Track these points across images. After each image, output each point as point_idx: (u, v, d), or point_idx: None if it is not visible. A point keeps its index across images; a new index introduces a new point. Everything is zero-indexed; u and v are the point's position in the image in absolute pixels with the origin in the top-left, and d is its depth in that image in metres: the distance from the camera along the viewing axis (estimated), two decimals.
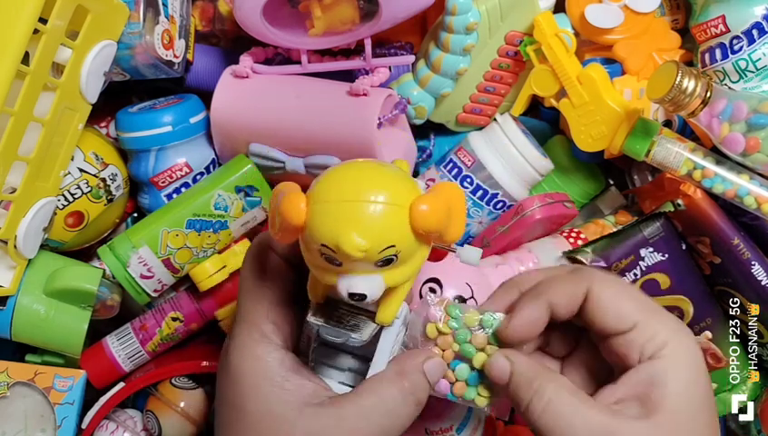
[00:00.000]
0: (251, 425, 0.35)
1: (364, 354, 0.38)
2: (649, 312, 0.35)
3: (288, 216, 0.31)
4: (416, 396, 0.35)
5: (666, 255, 0.57)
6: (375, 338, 0.36)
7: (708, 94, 0.50)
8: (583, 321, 0.37)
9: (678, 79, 0.49)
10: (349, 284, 0.32)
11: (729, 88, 0.57)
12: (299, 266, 0.37)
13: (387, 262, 0.31)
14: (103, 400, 0.56)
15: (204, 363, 0.57)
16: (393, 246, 0.31)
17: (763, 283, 0.55)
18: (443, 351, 0.38)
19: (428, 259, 0.36)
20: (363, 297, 0.32)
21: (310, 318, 0.35)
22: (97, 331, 0.60)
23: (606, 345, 0.36)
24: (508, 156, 0.60)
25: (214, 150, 0.60)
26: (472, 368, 0.38)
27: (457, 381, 0.38)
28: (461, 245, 0.60)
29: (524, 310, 0.36)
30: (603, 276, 0.36)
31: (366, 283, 0.32)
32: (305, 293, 0.37)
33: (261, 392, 0.35)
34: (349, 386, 0.38)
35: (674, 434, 0.33)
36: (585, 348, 0.39)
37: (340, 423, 0.34)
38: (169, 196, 0.59)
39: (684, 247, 0.58)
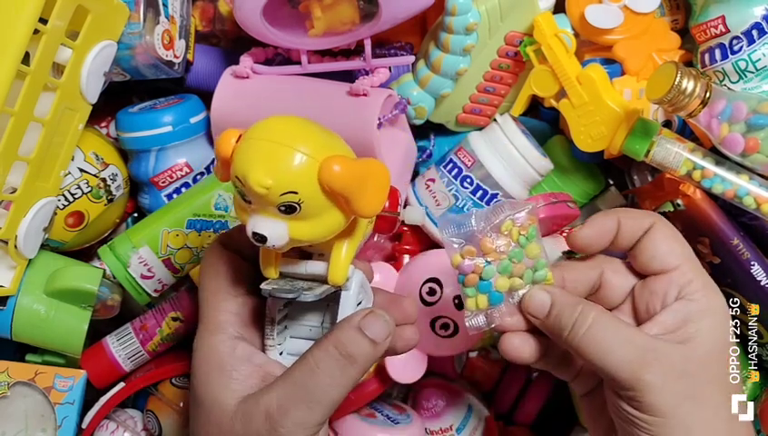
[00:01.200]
0: (203, 414, 0.36)
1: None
2: (692, 261, 0.40)
3: (218, 149, 0.34)
4: (348, 355, 0.36)
5: None
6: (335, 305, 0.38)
7: (707, 95, 0.50)
8: (636, 257, 0.41)
9: (677, 80, 0.49)
10: (254, 224, 0.33)
11: (728, 89, 0.57)
12: (253, 259, 0.39)
13: (289, 208, 0.32)
14: (103, 400, 0.56)
15: None
16: (296, 193, 0.32)
17: (762, 284, 0.55)
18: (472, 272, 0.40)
19: (376, 230, 0.38)
20: (264, 239, 0.33)
21: (263, 285, 0.36)
22: (97, 331, 0.60)
23: (648, 285, 0.40)
24: (508, 156, 0.60)
25: (214, 150, 0.60)
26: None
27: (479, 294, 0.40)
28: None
29: (597, 218, 0.41)
30: (664, 220, 0.41)
31: (269, 226, 0.33)
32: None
33: (211, 381, 0.36)
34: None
35: (704, 362, 0.36)
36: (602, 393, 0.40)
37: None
38: (169, 196, 0.59)
39: None
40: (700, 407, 0.36)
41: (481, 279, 0.40)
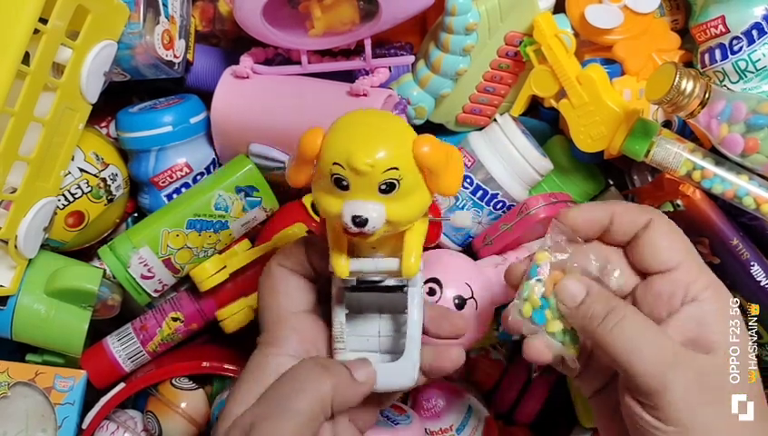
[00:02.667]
0: (221, 421, 0.37)
1: (392, 328, 0.40)
2: (695, 257, 0.39)
3: (305, 147, 0.33)
4: (323, 365, 0.36)
5: None
6: (402, 305, 0.38)
7: (707, 95, 0.50)
8: (635, 254, 0.40)
9: (677, 80, 0.49)
10: (353, 208, 0.33)
11: (728, 89, 0.57)
12: (309, 276, 0.40)
13: (389, 187, 0.33)
14: (103, 400, 0.56)
15: (205, 364, 0.57)
16: (396, 169, 0.32)
17: (762, 284, 0.55)
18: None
19: (427, 240, 0.38)
20: (364, 222, 0.33)
21: (341, 278, 0.37)
22: (98, 331, 0.60)
23: (651, 287, 0.39)
24: (508, 156, 0.60)
25: (214, 150, 0.61)
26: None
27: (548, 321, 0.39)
28: (460, 243, 0.61)
29: (591, 205, 0.40)
30: (663, 216, 0.40)
31: (369, 208, 0.33)
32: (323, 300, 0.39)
33: (244, 394, 0.36)
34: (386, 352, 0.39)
35: (726, 369, 0.36)
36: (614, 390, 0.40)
37: None
38: (169, 196, 0.59)
39: None
40: (722, 418, 0.35)
41: (544, 297, 0.39)
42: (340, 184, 0.33)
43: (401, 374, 0.38)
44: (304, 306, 0.39)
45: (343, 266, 0.36)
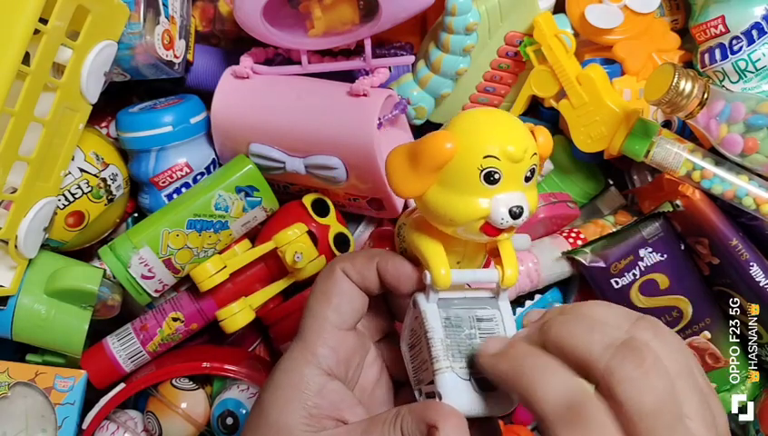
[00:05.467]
0: (263, 432, 0.35)
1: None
2: None
3: (435, 150, 0.32)
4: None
5: (665, 256, 0.57)
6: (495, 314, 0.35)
7: (705, 96, 0.51)
8: None
9: (675, 81, 0.49)
10: (508, 200, 0.32)
11: (727, 89, 0.57)
12: (369, 291, 0.37)
13: (532, 173, 0.33)
14: (103, 400, 0.56)
15: (205, 364, 0.57)
16: (536, 154, 0.33)
17: (761, 284, 0.55)
18: None
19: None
20: (520, 212, 0.32)
21: (431, 301, 0.34)
22: (98, 331, 0.60)
23: None
24: None
25: (215, 150, 0.60)
26: None
27: None
28: None
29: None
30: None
31: (519, 198, 0.32)
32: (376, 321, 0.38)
33: (287, 409, 0.35)
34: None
35: None
36: None
37: None
38: (169, 196, 0.59)
39: (682, 248, 0.58)
40: None
41: None
42: (491, 179, 0.32)
43: (504, 400, 0.34)
44: (349, 324, 0.37)
45: (445, 277, 0.34)
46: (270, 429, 0.35)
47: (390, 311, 0.40)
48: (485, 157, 0.32)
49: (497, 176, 0.32)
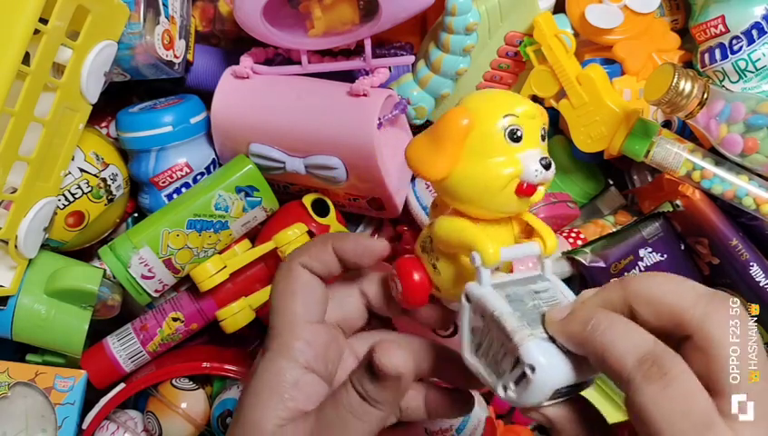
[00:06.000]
0: (241, 430, 0.35)
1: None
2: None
3: (454, 124, 0.33)
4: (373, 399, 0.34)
5: (665, 256, 0.57)
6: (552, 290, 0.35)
7: (705, 96, 0.51)
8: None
9: (675, 81, 0.49)
10: (534, 154, 0.33)
11: (728, 89, 0.57)
12: (332, 276, 0.38)
13: (545, 131, 0.35)
14: (103, 400, 0.56)
15: (205, 364, 0.57)
16: (544, 112, 0.35)
17: (761, 284, 0.55)
18: None
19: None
20: (549, 163, 0.33)
21: (485, 285, 0.33)
22: (98, 331, 0.60)
23: None
24: None
25: (215, 150, 0.60)
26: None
27: None
28: None
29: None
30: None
31: (544, 151, 0.34)
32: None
33: (261, 403, 0.35)
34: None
35: None
36: None
37: None
38: (169, 196, 0.59)
39: (682, 248, 0.58)
40: None
41: None
42: (515, 136, 0.33)
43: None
44: (318, 316, 0.37)
45: (495, 253, 0.32)
46: (243, 426, 0.35)
47: (363, 306, 0.40)
48: (505, 116, 0.33)
49: (519, 133, 0.33)
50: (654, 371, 0.28)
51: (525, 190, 0.33)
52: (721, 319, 0.29)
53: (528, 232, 0.36)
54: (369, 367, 0.33)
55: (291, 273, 0.37)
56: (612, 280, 0.34)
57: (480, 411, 0.62)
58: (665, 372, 0.28)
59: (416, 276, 0.36)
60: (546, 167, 0.33)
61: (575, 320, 0.31)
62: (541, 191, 0.34)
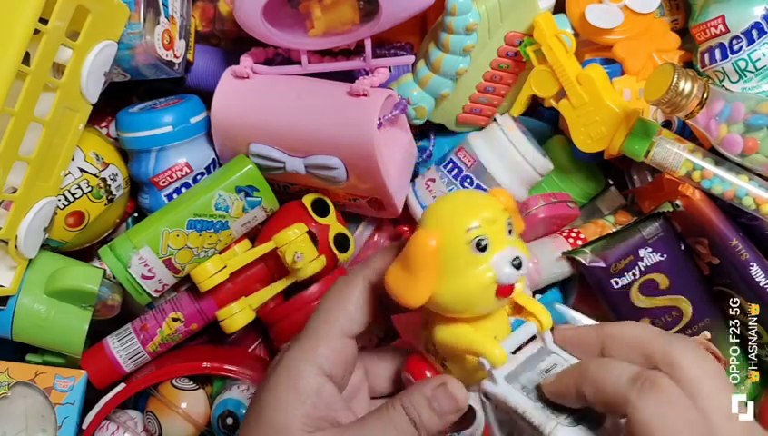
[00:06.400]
0: (261, 431, 0.35)
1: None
2: None
3: (423, 248, 0.34)
4: (418, 423, 0.35)
5: (665, 256, 0.57)
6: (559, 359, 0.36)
7: (705, 96, 0.51)
8: None
9: (674, 81, 0.49)
10: (504, 256, 0.34)
11: (727, 89, 0.57)
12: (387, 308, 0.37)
13: (510, 226, 0.35)
14: (103, 400, 0.56)
15: (206, 365, 0.57)
16: (505, 209, 0.35)
17: (761, 284, 0.55)
18: None
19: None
20: (520, 262, 0.34)
21: (500, 383, 0.35)
22: (98, 331, 0.60)
23: None
24: (508, 156, 0.60)
25: (214, 150, 0.60)
26: None
27: None
28: None
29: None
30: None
31: (513, 250, 0.34)
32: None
33: (285, 407, 0.35)
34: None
35: None
36: None
37: None
38: (169, 196, 0.59)
39: (682, 248, 0.58)
40: None
41: None
42: (481, 246, 0.34)
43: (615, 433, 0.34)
44: (355, 332, 0.37)
45: (501, 354, 0.34)
46: (267, 427, 0.35)
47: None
48: (467, 230, 0.34)
49: (485, 243, 0.34)
50: (647, 384, 0.29)
51: (503, 291, 0.34)
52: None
53: (518, 306, 0.38)
54: (428, 396, 0.35)
55: (353, 283, 0.37)
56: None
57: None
58: (659, 384, 0.29)
59: (428, 375, 0.38)
60: (518, 267, 0.34)
61: (565, 375, 0.33)
62: (519, 287, 0.35)
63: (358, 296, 0.37)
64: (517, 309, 0.38)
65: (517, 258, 0.34)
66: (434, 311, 0.36)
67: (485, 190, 0.60)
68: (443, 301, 0.35)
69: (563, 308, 0.43)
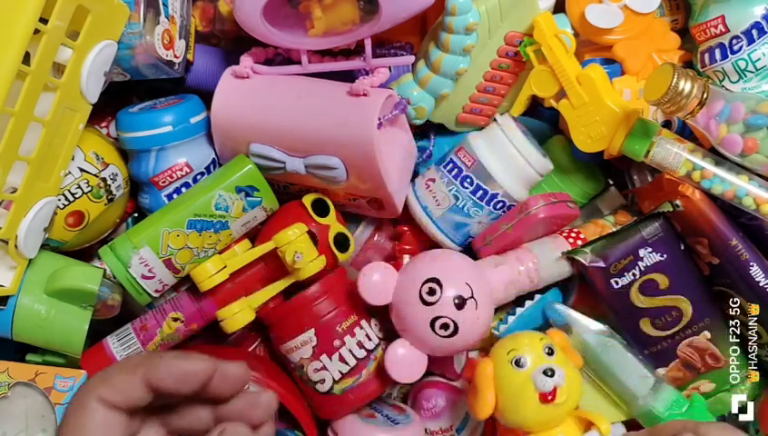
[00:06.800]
0: None
1: None
2: None
3: (484, 372, 0.52)
4: None
5: (665, 256, 0.57)
6: None
7: (705, 96, 0.51)
8: None
9: (674, 81, 0.49)
10: (542, 367, 0.50)
11: (727, 89, 0.57)
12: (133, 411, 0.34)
13: (550, 350, 0.52)
14: None
15: None
16: (549, 345, 0.53)
17: (761, 284, 0.55)
18: None
19: None
20: (553, 371, 0.49)
21: None
22: (98, 331, 0.60)
23: None
24: (508, 156, 0.60)
25: (214, 150, 0.60)
26: None
27: None
28: (460, 243, 0.64)
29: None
30: None
31: (548, 365, 0.50)
32: None
33: None
34: None
35: None
36: None
37: None
38: (169, 196, 0.59)
39: (682, 248, 0.58)
40: None
41: None
42: (519, 363, 0.50)
43: None
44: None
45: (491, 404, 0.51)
46: None
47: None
48: (508, 352, 0.50)
49: (522, 361, 0.49)
50: None
51: (546, 397, 0.47)
52: None
53: (587, 422, 0.51)
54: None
55: (84, 411, 0.32)
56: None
57: None
58: None
59: None
60: (550, 375, 0.47)
61: None
62: (561, 393, 0.48)
63: (95, 423, 0.32)
64: (588, 425, 0.49)
65: (551, 369, 0.46)
66: (509, 427, 0.50)
67: (485, 191, 0.60)
68: (507, 414, 0.48)
69: (563, 308, 0.46)
